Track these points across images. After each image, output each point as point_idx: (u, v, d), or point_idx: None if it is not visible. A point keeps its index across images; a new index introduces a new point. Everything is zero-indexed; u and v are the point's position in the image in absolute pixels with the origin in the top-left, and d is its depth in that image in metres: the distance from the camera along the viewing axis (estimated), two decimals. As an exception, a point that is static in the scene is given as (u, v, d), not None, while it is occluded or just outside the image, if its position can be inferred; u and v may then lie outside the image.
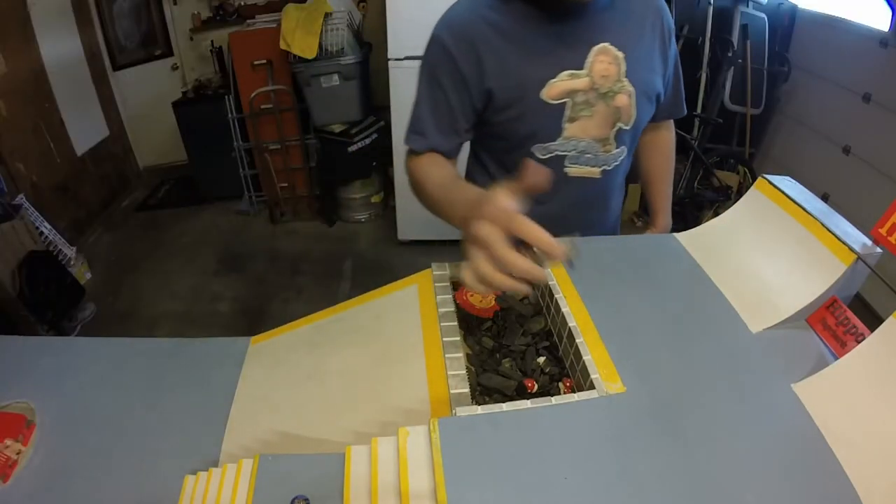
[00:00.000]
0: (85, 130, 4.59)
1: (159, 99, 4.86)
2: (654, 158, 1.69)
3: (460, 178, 1.33)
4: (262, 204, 4.83)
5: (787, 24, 4.23)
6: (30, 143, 3.89)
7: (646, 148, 1.66)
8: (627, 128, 1.35)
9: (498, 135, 1.38)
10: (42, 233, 3.58)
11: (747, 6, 4.17)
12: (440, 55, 1.29)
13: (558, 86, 1.27)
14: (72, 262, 3.83)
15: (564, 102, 1.28)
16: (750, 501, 0.76)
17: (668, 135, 1.68)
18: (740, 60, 4.11)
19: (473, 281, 0.83)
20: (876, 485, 0.76)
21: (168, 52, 5.21)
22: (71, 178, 4.35)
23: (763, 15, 4.17)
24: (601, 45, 1.27)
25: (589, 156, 1.36)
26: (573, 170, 1.38)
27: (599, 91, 1.29)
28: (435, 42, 1.30)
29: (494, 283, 0.81)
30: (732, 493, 0.77)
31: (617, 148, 1.38)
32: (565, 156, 1.36)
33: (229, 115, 4.41)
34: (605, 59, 1.27)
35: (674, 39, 1.40)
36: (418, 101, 1.38)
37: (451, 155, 1.39)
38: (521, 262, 0.80)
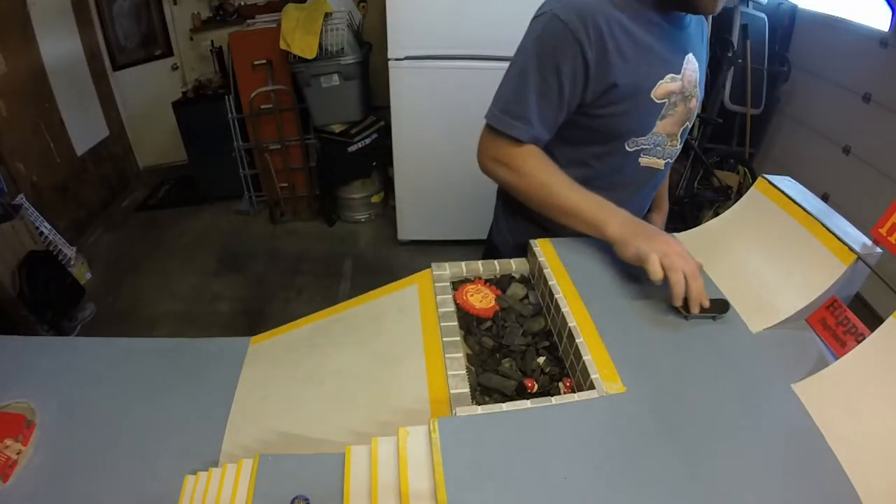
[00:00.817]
0: (85, 130, 4.58)
1: (159, 99, 4.85)
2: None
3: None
4: (262, 204, 4.83)
5: (787, 24, 4.23)
6: (30, 143, 3.89)
7: None
8: (689, 126, 1.47)
9: (592, 127, 1.37)
10: (42, 233, 3.57)
11: (747, 6, 4.16)
12: (565, 39, 1.23)
13: (664, 87, 1.33)
14: (72, 262, 3.82)
15: (664, 102, 1.35)
16: (750, 501, 0.76)
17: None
18: (740, 60, 4.11)
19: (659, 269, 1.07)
20: (876, 484, 0.77)
21: (168, 52, 5.20)
22: (71, 178, 4.35)
23: (763, 15, 4.17)
24: (689, 54, 1.37)
25: (660, 148, 1.43)
26: (645, 160, 1.44)
27: (685, 94, 1.38)
28: (558, 24, 1.23)
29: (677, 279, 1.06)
30: (732, 493, 0.77)
31: (679, 144, 1.47)
32: (649, 148, 1.42)
33: (229, 115, 4.40)
34: (690, 67, 1.37)
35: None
36: (523, 82, 1.30)
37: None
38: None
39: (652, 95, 1.32)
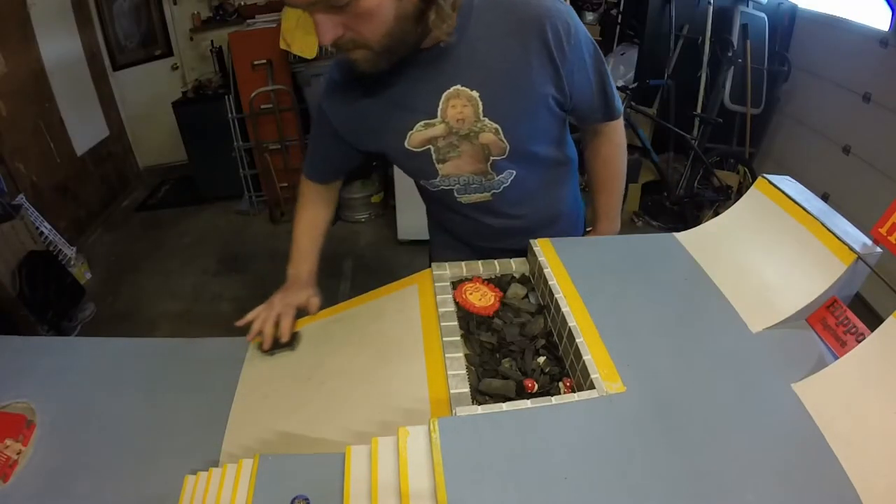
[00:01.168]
0: (85, 130, 4.59)
1: (159, 99, 4.86)
2: (592, 166, 1.61)
3: (317, 234, 1.61)
4: (262, 204, 4.83)
5: (787, 24, 4.23)
6: (30, 143, 3.89)
7: (585, 157, 1.63)
8: (504, 157, 1.33)
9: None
10: (42, 233, 3.58)
11: (747, 6, 4.16)
12: (322, 115, 1.38)
13: (416, 136, 1.29)
14: (72, 262, 3.82)
15: (428, 148, 1.31)
16: (750, 500, 0.76)
17: (604, 141, 1.55)
18: (740, 60, 4.10)
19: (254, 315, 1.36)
20: (876, 484, 0.77)
21: (168, 52, 5.21)
22: (71, 178, 4.35)
23: (763, 14, 4.16)
24: (452, 88, 1.23)
25: (475, 185, 1.39)
26: (464, 198, 1.43)
27: (460, 134, 1.28)
28: (320, 102, 1.38)
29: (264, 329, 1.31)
30: (732, 493, 0.77)
31: (500, 174, 1.37)
32: (452, 188, 1.41)
33: (229, 115, 4.40)
34: (458, 104, 1.24)
35: (577, 41, 1.25)
36: (310, 139, 1.54)
37: (336, 179, 1.59)
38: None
39: (406, 146, 1.31)
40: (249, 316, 1.36)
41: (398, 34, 1.07)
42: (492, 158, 1.32)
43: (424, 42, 1.16)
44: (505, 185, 1.39)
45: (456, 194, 1.42)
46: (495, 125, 1.26)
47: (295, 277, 1.52)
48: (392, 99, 1.26)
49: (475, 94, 1.23)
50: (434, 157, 1.31)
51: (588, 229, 1.74)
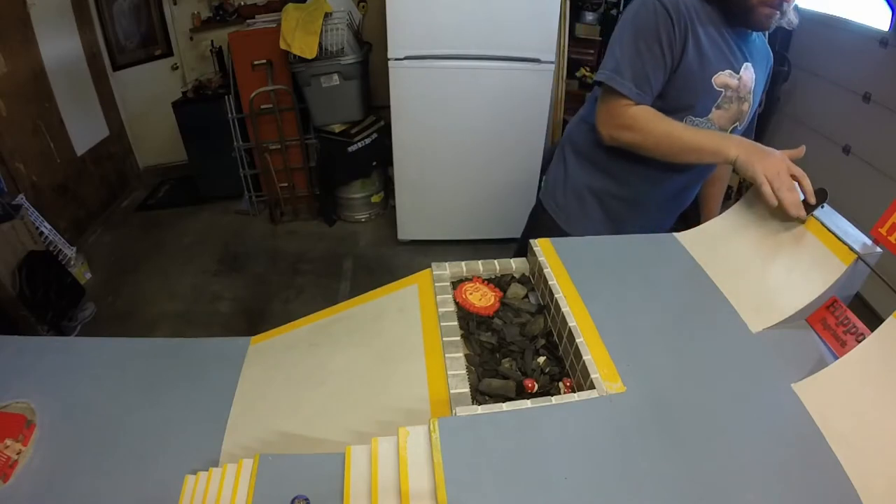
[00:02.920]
0: (85, 130, 4.58)
1: (159, 99, 4.85)
2: (715, 178, 1.98)
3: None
4: (262, 204, 4.82)
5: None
6: (30, 143, 3.89)
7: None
8: (740, 128, 1.65)
9: (661, 98, 1.56)
10: (42, 233, 3.57)
11: (747, 6, 4.16)
12: (662, 17, 1.47)
13: (722, 77, 1.53)
14: (72, 262, 3.82)
15: (721, 91, 1.55)
16: (750, 500, 0.76)
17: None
18: (740, 60, 4.10)
19: (772, 193, 1.21)
20: (875, 483, 0.77)
21: (168, 52, 5.20)
22: (71, 178, 4.34)
23: (763, 15, 4.16)
24: (748, 63, 1.57)
25: None
26: None
27: (739, 94, 1.57)
28: (655, 5, 1.47)
29: (788, 198, 1.19)
30: (732, 492, 0.77)
31: None
32: None
33: (229, 115, 4.40)
34: (748, 74, 1.57)
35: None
36: (634, 51, 1.50)
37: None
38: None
39: (713, 81, 1.52)
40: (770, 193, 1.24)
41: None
42: (736, 124, 1.63)
43: (746, 24, 1.53)
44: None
45: None
46: (752, 102, 1.63)
47: (746, 142, 1.40)
48: (720, 45, 1.53)
49: (755, 76, 1.60)
50: (719, 100, 1.56)
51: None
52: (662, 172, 1.67)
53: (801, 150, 1.36)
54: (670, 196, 1.80)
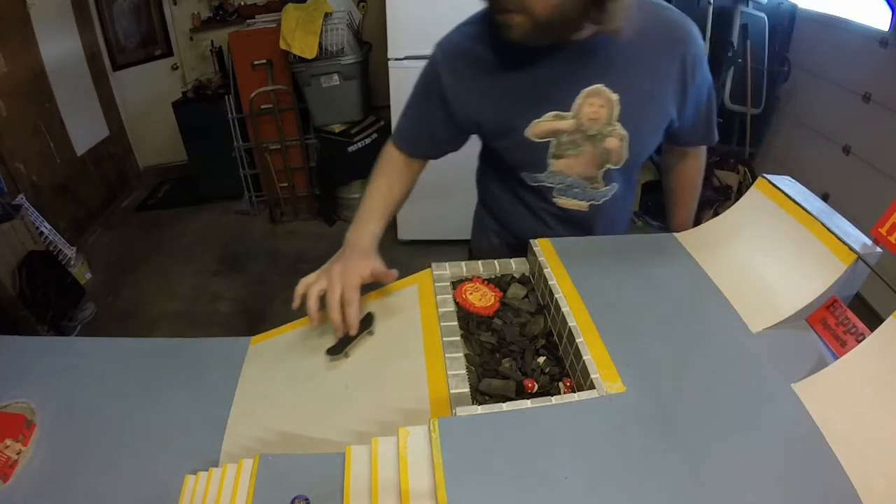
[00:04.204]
0: (85, 130, 4.59)
1: (159, 99, 4.86)
2: (678, 186, 1.66)
3: (389, 202, 1.41)
4: (262, 204, 4.83)
5: (787, 24, 4.23)
6: (30, 143, 3.89)
7: (671, 173, 1.65)
8: (618, 167, 1.33)
9: (492, 155, 1.42)
10: (42, 233, 3.58)
11: (747, 6, 4.16)
12: (433, 73, 1.31)
13: (542, 126, 1.26)
14: (72, 262, 3.82)
15: (549, 141, 1.28)
16: (750, 500, 0.76)
17: (694, 164, 1.60)
18: (740, 60, 4.10)
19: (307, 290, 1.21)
20: (875, 484, 0.77)
21: (168, 52, 5.20)
22: (71, 178, 4.35)
23: (763, 15, 4.16)
24: (594, 86, 1.22)
25: (577, 190, 1.37)
26: (561, 200, 1.40)
27: (587, 133, 1.26)
28: (432, 60, 1.32)
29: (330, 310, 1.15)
30: (732, 493, 0.77)
31: (606, 185, 1.37)
32: (553, 187, 1.38)
33: (229, 115, 4.40)
34: (595, 102, 1.23)
35: (703, 66, 1.29)
36: (408, 105, 1.41)
37: (427, 157, 1.45)
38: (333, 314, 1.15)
39: (527, 134, 1.27)
40: (300, 289, 1.23)
41: (567, 11, 1.05)
42: (607, 166, 1.32)
43: (580, 33, 1.15)
44: (605, 199, 1.40)
45: (555, 194, 1.39)
46: (625, 132, 1.26)
47: (355, 243, 1.31)
48: (526, 83, 1.24)
49: (615, 96, 1.22)
50: (551, 150, 1.29)
51: None
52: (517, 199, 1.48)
53: (391, 274, 1.25)
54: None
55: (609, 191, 1.38)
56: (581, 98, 1.22)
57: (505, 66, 1.23)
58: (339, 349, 1.14)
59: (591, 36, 1.16)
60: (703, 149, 1.57)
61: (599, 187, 1.36)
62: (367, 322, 1.18)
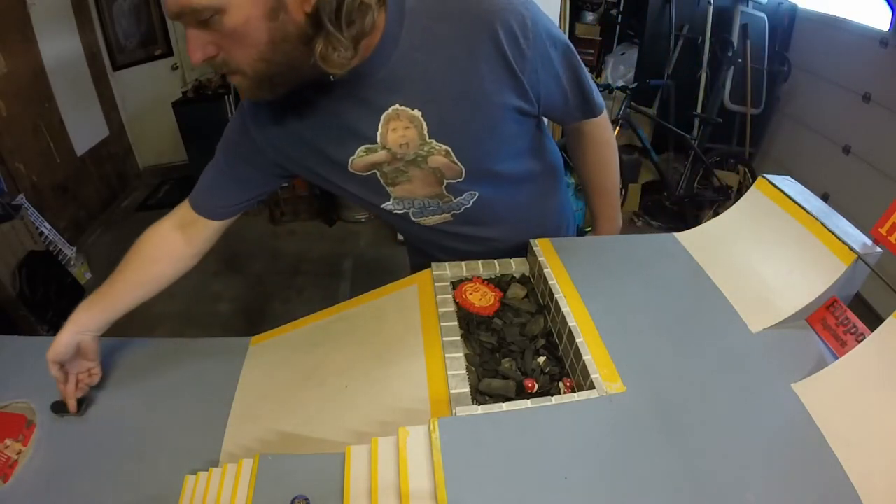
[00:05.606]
0: (85, 130, 4.60)
1: (159, 99, 4.87)
2: (582, 168, 1.49)
3: (143, 276, 1.42)
4: (262, 204, 4.83)
5: (787, 24, 4.24)
6: (30, 143, 3.90)
7: (573, 155, 1.49)
8: (462, 179, 1.20)
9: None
10: (42, 233, 3.58)
11: (747, 6, 4.17)
12: (241, 133, 1.22)
13: (358, 161, 1.16)
14: (72, 262, 3.83)
15: (373, 173, 1.19)
16: (750, 500, 0.76)
17: (588, 141, 1.41)
18: (740, 60, 4.12)
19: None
20: (876, 484, 0.77)
21: (168, 52, 5.21)
22: (71, 178, 4.35)
23: (763, 15, 4.17)
24: (391, 108, 1.08)
25: (431, 208, 1.29)
26: (422, 220, 1.33)
27: (406, 159, 1.15)
28: (238, 113, 1.23)
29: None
30: (732, 493, 0.77)
31: (459, 196, 1.25)
32: (408, 212, 1.30)
33: (229, 115, 4.41)
34: (398, 126, 1.09)
35: (536, 36, 1.06)
36: (214, 162, 1.37)
37: (230, 215, 1.45)
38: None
39: (352, 170, 1.18)
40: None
41: (279, 59, 0.93)
42: (446, 181, 1.20)
43: (344, 64, 0.96)
44: (466, 207, 1.29)
45: (412, 217, 1.31)
46: (445, 147, 1.13)
47: (78, 325, 1.28)
48: (327, 121, 1.12)
49: (417, 113, 1.08)
50: (382, 180, 1.20)
51: (587, 229, 1.67)
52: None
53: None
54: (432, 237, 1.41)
55: (468, 199, 1.27)
56: (382, 125, 1.09)
57: (302, 109, 1.13)
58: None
59: (367, 57, 1.02)
60: (599, 124, 1.37)
61: (451, 200, 1.26)
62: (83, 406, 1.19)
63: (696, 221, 3.88)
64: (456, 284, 1.24)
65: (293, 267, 4.12)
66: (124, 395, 1.20)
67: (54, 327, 3.28)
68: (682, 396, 0.91)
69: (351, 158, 1.15)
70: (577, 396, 0.91)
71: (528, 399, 0.91)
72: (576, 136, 1.40)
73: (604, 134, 1.40)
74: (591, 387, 0.92)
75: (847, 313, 0.98)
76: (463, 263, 1.29)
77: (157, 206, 5.08)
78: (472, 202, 1.27)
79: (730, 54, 4.09)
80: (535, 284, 1.26)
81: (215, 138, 1.22)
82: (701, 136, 4.31)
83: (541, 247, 1.27)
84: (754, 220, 1.24)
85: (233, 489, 0.85)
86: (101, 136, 4.83)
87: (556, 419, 0.86)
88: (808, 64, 4.03)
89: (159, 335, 3.43)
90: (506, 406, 0.88)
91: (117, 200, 5.05)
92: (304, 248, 4.36)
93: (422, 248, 1.49)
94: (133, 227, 4.66)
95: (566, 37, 1.17)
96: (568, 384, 1.00)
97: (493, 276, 1.29)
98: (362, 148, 1.13)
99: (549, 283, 1.15)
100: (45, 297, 3.26)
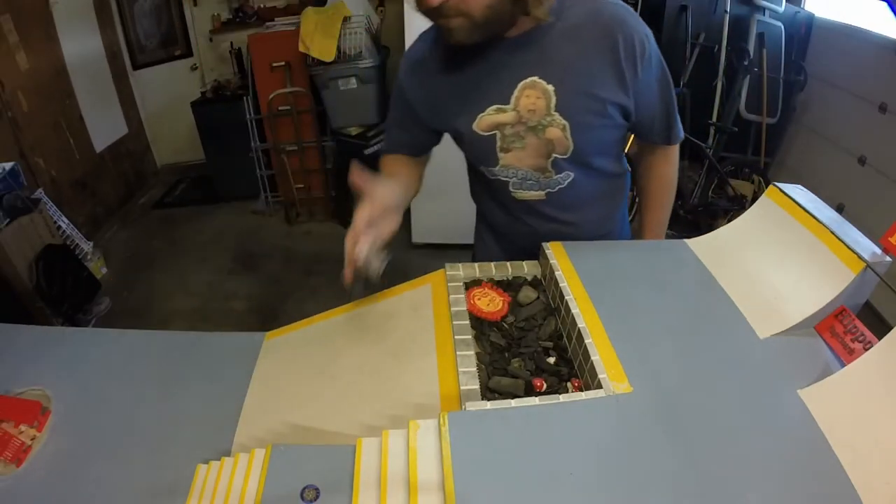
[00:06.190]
0: (104, 128, 4.64)
1: (178, 98, 4.91)
2: (646, 182, 1.65)
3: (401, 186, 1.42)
4: (277, 204, 4.86)
5: (804, 33, 4.22)
6: (50, 139, 3.95)
7: (640, 172, 1.65)
8: (567, 157, 1.35)
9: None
10: (60, 227, 3.62)
11: (763, 14, 4.15)
12: (399, 85, 1.44)
13: (486, 119, 1.33)
14: (88, 257, 3.87)
15: (495, 134, 1.34)
16: (752, 502, 0.77)
17: (660, 160, 1.59)
18: (756, 69, 4.09)
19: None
20: (880, 491, 0.77)
21: (188, 53, 5.25)
22: (89, 175, 4.40)
23: (779, 23, 4.15)
24: (530, 79, 1.27)
25: (531, 182, 1.42)
26: (517, 193, 1.46)
27: (528, 125, 1.31)
28: (399, 72, 1.45)
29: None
30: (736, 495, 0.78)
31: (559, 174, 1.40)
32: (508, 181, 1.44)
33: (247, 116, 4.44)
34: (532, 94, 1.28)
35: (650, 60, 1.29)
36: (388, 119, 1.55)
37: (418, 153, 1.57)
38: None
39: (475, 128, 1.35)
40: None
41: (499, 8, 1.13)
42: (553, 156, 1.35)
43: (511, 30, 1.24)
44: (561, 187, 1.43)
45: (511, 188, 1.45)
46: (564, 122, 1.29)
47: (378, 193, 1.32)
48: (469, 80, 1.32)
49: (550, 87, 1.27)
50: (498, 143, 1.35)
51: None
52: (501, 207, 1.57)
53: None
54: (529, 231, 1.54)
55: (563, 178, 1.41)
56: (518, 90, 1.28)
57: (450, 66, 1.33)
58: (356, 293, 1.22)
59: (525, 32, 1.25)
60: (672, 152, 1.57)
61: (551, 176, 1.40)
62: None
63: (710, 230, 3.83)
64: (469, 285, 1.25)
65: (307, 267, 4.14)
66: (138, 385, 1.21)
67: (69, 320, 3.32)
68: (689, 399, 0.92)
69: (480, 115, 1.33)
70: (584, 395, 0.92)
71: (536, 397, 0.92)
72: (648, 151, 1.59)
73: (673, 157, 1.59)
74: (599, 386, 0.93)
75: (855, 322, 0.98)
76: (476, 265, 1.30)
77: (174, 203, 5.12)
78: (566, 183, 1.42)
79: (746, 63, 4.07)
80: (546, 287, 1.27)
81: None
82: (716, 145, 4.29)
83: (552, 250, 1.28)
84: (765, 227, 1.24)
85: (244, 478, 0.87)
86: (119, 133, 4.88)
87: (564, 417, 0.87)
88: (824, 73, 4.00)
89: (174, 330, 3.46)
90: (514, 402, 0.89)
91: (134, 197, 5.10)
92: (318, 249, 4.38)
93: (499, 229, 1.65)
94: (149, 224, 4.75)
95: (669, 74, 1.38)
96: (576, 384, 1.02)
97: (504, 279, 1.30)
98: (493, 107, 1.31)
99: (560, 285, 1.16)
100: (61, 291, 3.30)
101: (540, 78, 1.26)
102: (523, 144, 1.34)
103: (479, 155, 1.42)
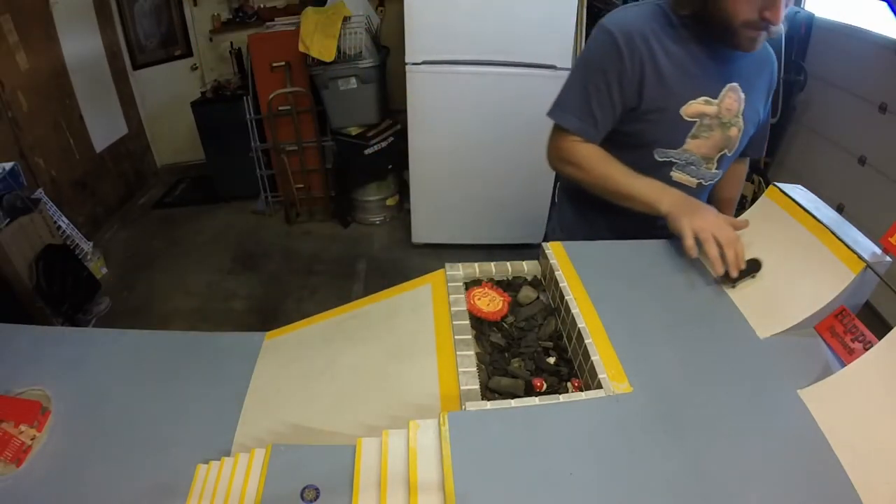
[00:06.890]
0: (104, 128, 4.63)
1: (178, 98, 4.90)
2: (726, 186, 1.79)
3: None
4: (277, 204, 4.85)
5: (804, 33, 4.20)
6: (50, 139, 3.94)
7: (725, 178, 1.75)
8: (730, 155, 1.56)
9: (625, 133, 1.51)
10: (60, 227, 3.61)
11: (765, 15, 4.14)
12: (610, 48, 1.41)
13: (695, 106, 1.45)
14: (88, 257, 3.86)
15: (695, 121, 1.46)
16: (752, 502, 0.77)
17: (743, 168, 1.84)
18: (757, 69, 4.08)
19: (693, 246, 1.23)
20: (879, 491, 0.77)
21: (188, 53, 5.24)
22: (89, 175, 4.39)
23: (780, 24, 4.14)
24: (733, 84, 1.46)
25: (693, 167, 1.53)
26: (676, 174, 1.54)
27: (721, 120, 1.47)
28: (607, 36, 1.42)
29: (712, 252, 1.19)
30: (736, 495, 0.78)
31: (717, 169, 1.56)
32: (676, 162, 1.52)
33: (247, 116, 4.43)
34: (732, 96, 1.47)
35: (774, 89, 1.60)
36: (580, 86, 1.48)
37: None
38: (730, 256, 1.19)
39: (681, 112, 1.44)
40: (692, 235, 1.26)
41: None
42: (724, 151, 1.53)
43: (728, 43, 1.39)
44: (711, 182, 1.60)
45: (674, 170, 1.53)
46: (742, 125, 1.51)
47: (680, 196, 1.37)
48: (690, 70, 1.43)
49: (743, 96, 1.49)
50: (693, 130, 1.47)
51: None
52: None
53: (745, 223, 1.28)
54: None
55: (716, 175, 1.58)
56: (725, 90, 1.46)
57: (676, 51, 1.42)
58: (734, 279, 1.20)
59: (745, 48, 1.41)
60: (747, 161, 1.83)
61: (712, 168, 1.55)
62: (754, 266, 1.21)
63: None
64: (469, 285, 1.25)
65: (307, 267, 4.14)
66: (138, 385, 1.21)
67: (69, 320, 3.31)
68: (689, 398, 0.92)
69: (690, 102, 1.44)
70: (584, 395, 0.92)
71: (536, 397, 0.92)
72: (740, 161, 1.75)
73: (746, 168, 1.87)
74: (599, 386, 0.93)
75: (855, 322, 0.98)
76: (476, 265, 1.30)
77: (174, 203, 5.11)
78: (715, 180, 1.61)
79: (746, 64, 4.06)
80: (547, 287, 1.27)
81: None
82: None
83: (552, 250, 1.28)
84: (764, 227, 1.24)
85: (244, 478, 0.87)
86: (119, 133, 4.87)
87: (563, 417, 0.87)
88: (824, 73, 3.99)
89: (174, 330, 3.46)
90: (514, 402, 0.89)
91: (134, 197, 5.09)
92: (318, 249, 4.37)
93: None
94: (149, 224, 4.74)
95: None
96: (576, 384, 1.02)
97: (504, 279, 1.30)
98: (703, 98, 1.44)
99: (560, 285, 1.16)
100: (61, 290, 3.29)
101: (739, 86, 1.47)
102: (709, 136, 1.48)
103: (667, 136, 1.49)
